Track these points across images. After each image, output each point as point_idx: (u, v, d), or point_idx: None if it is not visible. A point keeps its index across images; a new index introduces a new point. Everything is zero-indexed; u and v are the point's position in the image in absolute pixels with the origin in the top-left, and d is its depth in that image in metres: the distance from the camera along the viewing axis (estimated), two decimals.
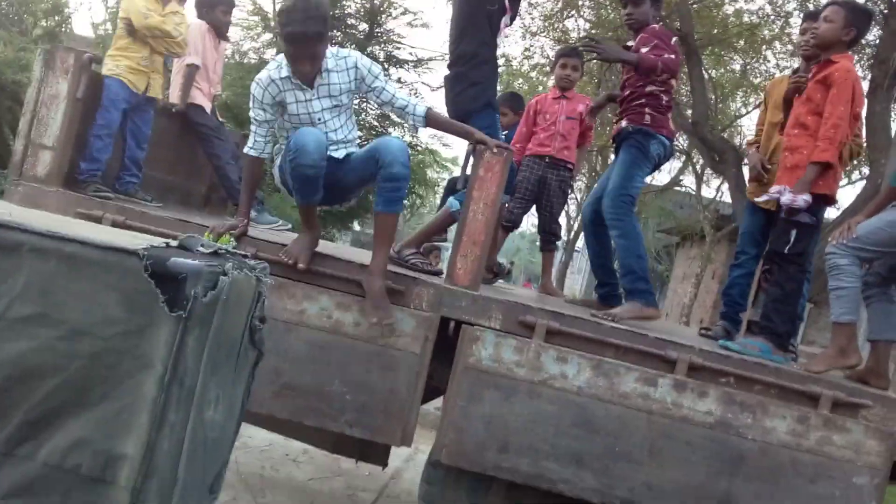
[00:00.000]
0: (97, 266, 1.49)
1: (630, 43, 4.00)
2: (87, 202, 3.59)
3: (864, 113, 4.10)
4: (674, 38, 4.01)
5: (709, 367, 3.09)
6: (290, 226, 4.93)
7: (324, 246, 3.64)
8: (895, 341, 3.39)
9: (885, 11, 10.35)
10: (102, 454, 1.45)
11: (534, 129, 5.05)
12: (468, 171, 3.56)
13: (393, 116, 12.40)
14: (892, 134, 8.89)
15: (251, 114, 3.40)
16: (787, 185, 3.53)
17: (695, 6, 10.90)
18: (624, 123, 3.92)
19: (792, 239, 3.52)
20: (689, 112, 12.64)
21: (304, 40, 3.14)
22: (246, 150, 3.47)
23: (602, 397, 3.04)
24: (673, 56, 3.83)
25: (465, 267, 3.28)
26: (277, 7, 13.82)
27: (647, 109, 3.85)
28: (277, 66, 3.32)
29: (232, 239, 3.31)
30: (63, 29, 13.93)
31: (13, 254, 1.50)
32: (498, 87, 4.30)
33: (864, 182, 11.03)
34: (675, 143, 17.43)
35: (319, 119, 3.37)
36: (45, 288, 1.50)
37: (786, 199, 3.47)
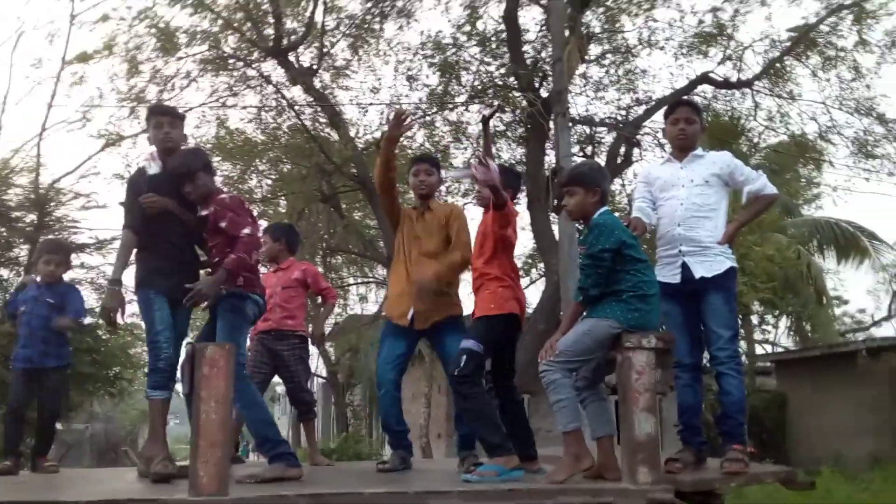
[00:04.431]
0: None
1: (204, 213, 3.90)
2: None
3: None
4: (242, 203, 3.97)
5: None
6: None
7: None
8: (613, 435, 3.78)
9: (525, 134, 12.02)
10: None
11: None
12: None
13: None
14: (556, 237, 10.10)
15: None
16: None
17: (366, 152, 11.75)
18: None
19: (462, 363, 3.87)
20: (382, 244, 13.42)
21: None
22: None
23: None
24: (249, 229, 3.77)
25: (209, 473, 3.08)
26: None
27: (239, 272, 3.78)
28: None
29: None
30: None
31: None
32: None
33: (544, 278, 12.46)
34: (375, 274, 18.13)
35: None
36: None
37: None
